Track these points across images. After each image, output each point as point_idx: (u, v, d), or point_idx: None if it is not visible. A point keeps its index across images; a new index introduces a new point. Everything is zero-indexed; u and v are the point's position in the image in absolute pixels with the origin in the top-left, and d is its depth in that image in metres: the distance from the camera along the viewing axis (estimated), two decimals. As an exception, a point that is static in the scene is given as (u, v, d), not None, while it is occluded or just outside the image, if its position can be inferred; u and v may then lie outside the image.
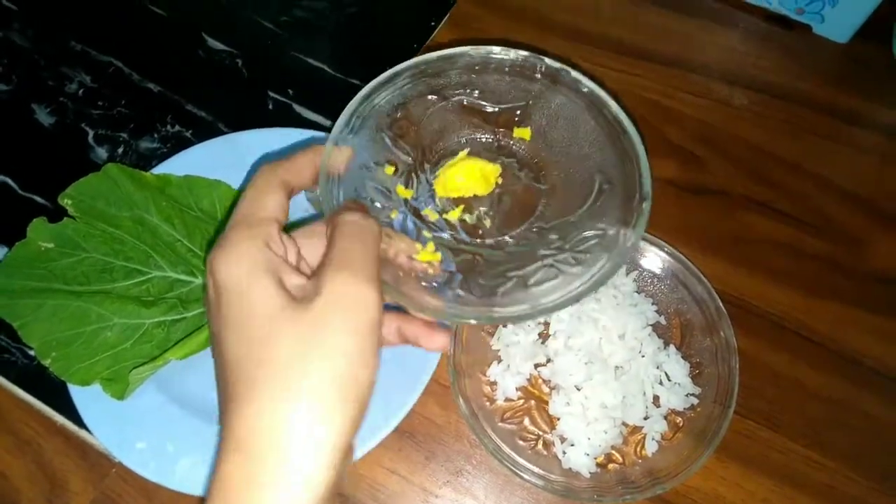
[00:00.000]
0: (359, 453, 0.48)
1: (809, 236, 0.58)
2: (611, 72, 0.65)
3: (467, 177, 0.45)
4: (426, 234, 0.43)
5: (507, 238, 0.44)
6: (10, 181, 0.61)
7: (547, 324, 0.52)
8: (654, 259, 0.54)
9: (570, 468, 0.48)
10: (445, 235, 0.44)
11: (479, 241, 0.44)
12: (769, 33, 0.67)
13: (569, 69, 0.44)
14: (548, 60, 0.44)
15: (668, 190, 0.60)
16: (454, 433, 0.51)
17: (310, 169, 0.39)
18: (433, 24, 0.68)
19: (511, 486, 0.49)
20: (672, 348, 0.51)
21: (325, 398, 0.30)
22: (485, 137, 0.47)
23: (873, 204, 0.59)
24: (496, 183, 0.46)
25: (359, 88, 0.57)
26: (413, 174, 0.46)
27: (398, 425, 0.49)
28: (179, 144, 0.62)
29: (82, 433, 0.51)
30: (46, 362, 0.49)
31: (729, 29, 0.67)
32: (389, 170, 0.45)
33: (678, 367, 0.50)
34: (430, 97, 0.46)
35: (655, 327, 0.52)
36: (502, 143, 0.47)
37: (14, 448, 0.51)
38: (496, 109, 0.47)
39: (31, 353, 0.52)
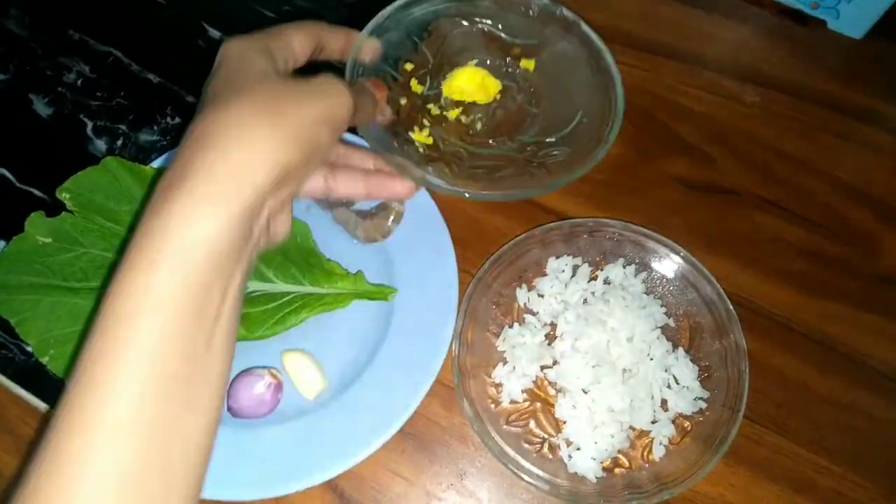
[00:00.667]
0: (362, 454, 0.47)
1: (820, 236, 0.57)
2: (620, 66, 0.63)
3: (470, 82, 0.54)
4: (426, 122, 0.53)
5: (490, 141, 0.53)
6: (7, 173, 0.60)
7: (554, 325, 0.52)
8: (664, 260, 0.53)
9: (576, 472, 0.47)
10: (439, 130, 0.53)
11: (467, 138, 0.53)
12: (782, 28, 0.66)
13: (580, 21, 0.53)
14: (565, 10, 0.53)
15: (677, 188, 0.59)
16: (458, 435, 0.50)
17: (342, 40, 0.45)
18: (439, 15, 0.67)
19: (516, 490, 0.49)
20: (681, 351, 0.50)
21: (286, 129, 0.34)
22: (497, 61, 0.56)
23: (885, 204, 0.58)
24: (495, 98, 0.55)
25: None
26: (427, 76, 0.54)
27: (401, 427, 0.48)
28: (180, 137, 0.60)
29: (81, 431, 0.50)
30: (44, 360, 0.49)
31: (741, 24, 0.66)
32: (409, 66, 0.54)
33: (687, 371, 0.49)
34: (458, 19, 0.55)
35: (664, 329, 0.51)
36: (509, 69, 0.56)
37: (12, 447, 0.50)
38: (511, 41, 0.56)
39: (29, 349, 0.52)
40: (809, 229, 0.57)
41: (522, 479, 0.46)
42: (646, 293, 0.53)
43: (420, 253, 0.53)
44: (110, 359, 0.30)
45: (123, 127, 0.62)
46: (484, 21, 0.56)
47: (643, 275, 0.53)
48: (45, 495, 0.29)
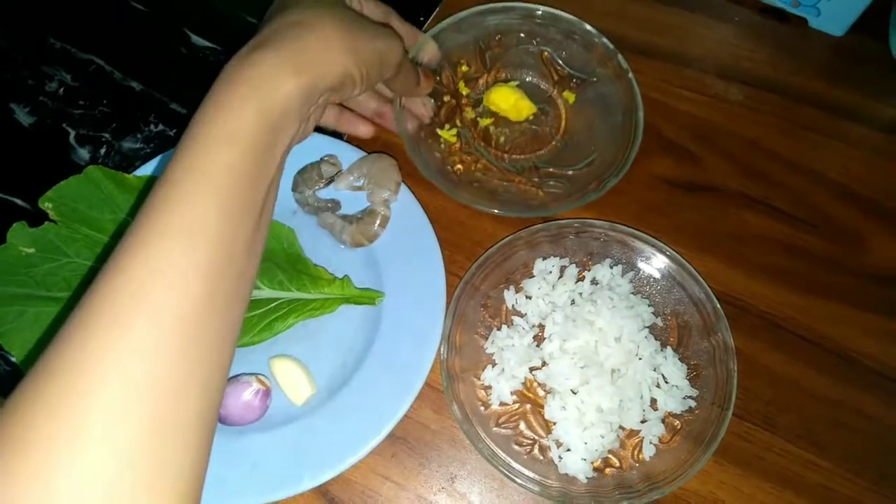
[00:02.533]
0: (352, 459, 0.47)
1: (806, 234, 0.57)
2: (604, 67, 0.64)
3: (504, 101, 0.60)
4: (458, 122, 0.60)
5: (506, 156, 0.59)
6: (-12, 183, 0.59)
7: (542, 327, 0.52)
8: (651, 259, 0.53)
9: (566, 473, 0.47)
10: (467, 132, 0.60)
11: (488, 147, 0.60)
12: (764, 26, 0.66)
13: (631, 74, 0.58)
14: (620, 58, 0.58)
15: (663, 187, 0.59)
16: (448, 438, 0.50)
17: (407, 34, 0.52)
18: (422, 18, 0.67)
19: (507, 492, 0.49)
20: (669, 350, 0.50)
21: (357, 48, 0.40)
22: (543, 85, 0.62)
23: (870, 200, 0.58)
24: (527, 119, 0.61)
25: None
26: (476, 80, 0.62)
27: (391, 431, 0.48)
28: (164, 144, 0.61)
29: (67, 443, 0.50)
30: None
31: (723, 22, 0.66)
32: (465, 68, 0.62)
33: (675, 370, 0.49)
34: (525, 37, 0.62)
35: (652, 329, 0.51)
36: (551, 95, 0.62)
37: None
38: (564, 70, 0.62)
39: (13, 359, 0.51)
40: (795, 227, 0.57)
41: (513, 480, 0.46)
42: (633, 293, 0.53)
43: (407, 256, 0.53)
44: (190, 180, 0.34)
45: (107, 135, 0.61)
46: (547, 46, 0.62)
47: (630, 275, 0.53)
48: (127, 274, 0.32)
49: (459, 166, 0.58)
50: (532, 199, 0.57)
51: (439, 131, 0.59)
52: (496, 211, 0.54)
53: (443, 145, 0.59)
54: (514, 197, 0.57)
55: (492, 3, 0.60)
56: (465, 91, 0.61)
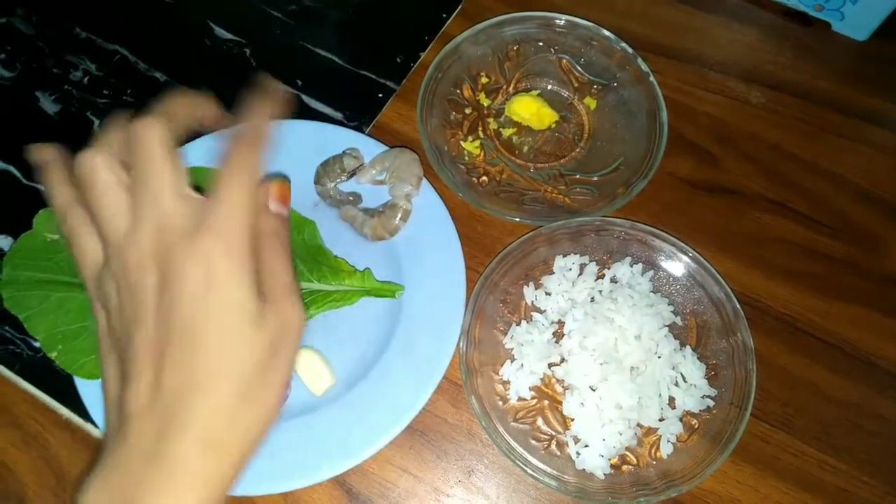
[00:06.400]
0: (370, 451, 0.47)
1: (826, 237, 0.57)
2: (625, 67, 0.64)
3: (525, 110, 0.60)
4: (481, 133, 0.60)
5: (530, 166, 0.59)
6: (13, 170, 0.60)
7: (561, 323, 0.52)
8: (671, 259, 0.53)
9: (583, 469, 0.47)
10: (490, 143, 0.60)
11: (512, 157, 0.60)
12: (787, 30, 0.66)
13: (652, 77, 0.58)
14: (640, 61, 0.59)
15: (683, 188, 0.59)
16: (466, 432, 0.50)
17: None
18: (444, 16, 0.67)
19: (524, 487, 0.49)
20: (688, 349, 0.50)
21: (272, 406, 0.34)
22: (564, 93, 0.62)
23: (890, 204, 0.58)
24: (549, 126, 0.61)
25: (369, 79, 0.63)
26: (497, 91, 0.62)
27: (409, 423, 0.48)
28: (188, 136, 0.61)
29: (88, 427, 0.50)
30: (52, 355, 0.49)
31: (746, 25, 0.66)
32: (485, 80, 0.62)
33: (694, 369, 0.49)
34: (543, 45, 0.62)
35: (671, 328, 0.51)
36: (572, 102, 0.62)
37: (20, 442, 0.50)
38: (584, 76, 0.62)
39: (37, 344, 0.52)
40: (816, 230, 0.57)
41: (530, 475, 0.46)
42: (653, 292, 0.53)
43: (428, 251, 0.53)
44: None
45: (130, 124, 0.62)
46: (566, 54, 0.62)
47: (650, 273, 0.53)
48: None
49: (484, 178, 0.58)
50: (560, 207, 0.56)
51: (462, 143, 0.59)
52: (525, 221, 0.54)
53: (466, 157, 0.59)
54: (541, 206, 0.57)
55: (510, 10, 0.61)
56: (486, 102, 0.62)
